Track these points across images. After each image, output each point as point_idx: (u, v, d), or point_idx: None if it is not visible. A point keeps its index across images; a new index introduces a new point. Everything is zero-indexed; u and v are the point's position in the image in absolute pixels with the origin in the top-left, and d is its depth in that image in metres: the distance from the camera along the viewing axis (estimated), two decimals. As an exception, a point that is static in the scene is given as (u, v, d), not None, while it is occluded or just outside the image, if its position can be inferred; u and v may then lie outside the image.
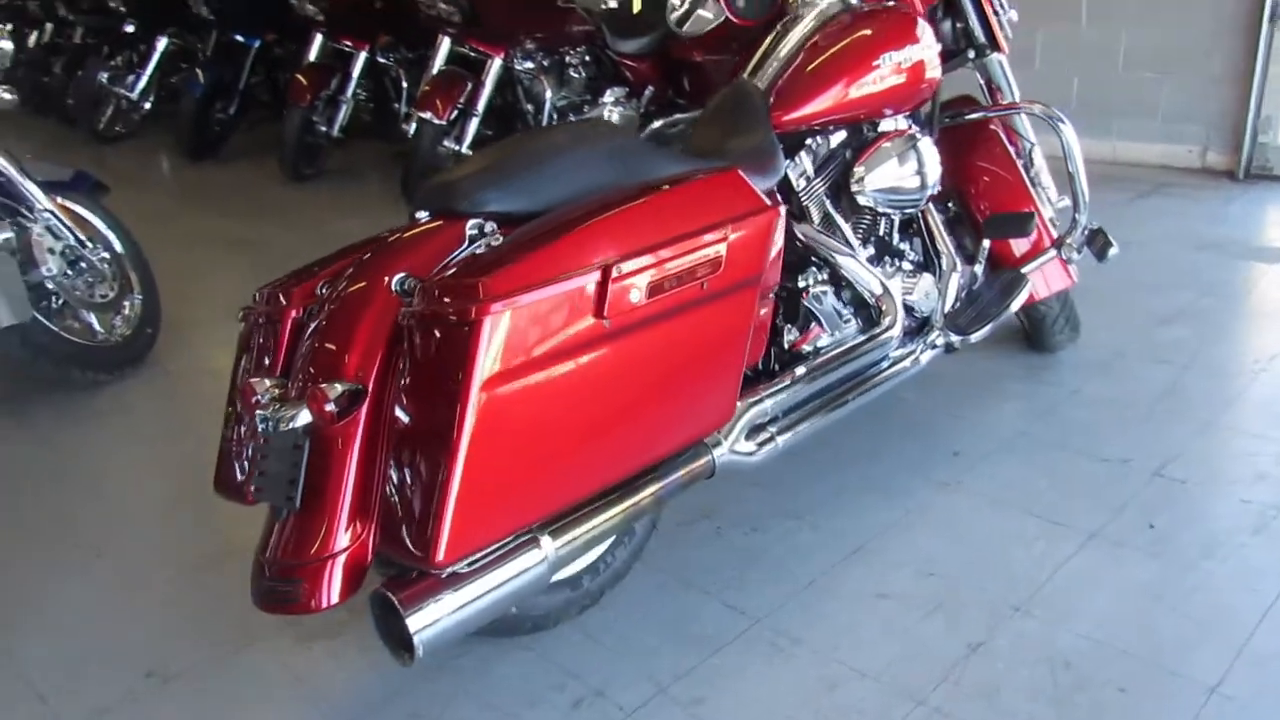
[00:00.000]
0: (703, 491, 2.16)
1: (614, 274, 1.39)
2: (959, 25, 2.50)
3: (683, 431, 1.60)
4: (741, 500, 2.18)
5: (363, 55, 5.20)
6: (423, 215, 1.64)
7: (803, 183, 2.10)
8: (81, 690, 1.75)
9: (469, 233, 1.55)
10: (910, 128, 2.24)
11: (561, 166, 1.64)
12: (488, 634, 1.73)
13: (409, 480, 1.35)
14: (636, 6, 2.87)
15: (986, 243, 2.40)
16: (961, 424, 2.47)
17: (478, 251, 1.53)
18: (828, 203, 2.15)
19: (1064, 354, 2.80)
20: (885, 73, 2.11)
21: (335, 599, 1.45)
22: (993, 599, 1.83)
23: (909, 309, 2.21)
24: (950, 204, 2.60)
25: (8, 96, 2.75)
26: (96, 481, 2.51)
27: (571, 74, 5.01)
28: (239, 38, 5.93)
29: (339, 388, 1.44)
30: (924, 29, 2.19)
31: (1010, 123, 2.60)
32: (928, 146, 2.19)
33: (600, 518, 1.56)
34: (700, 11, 2.50)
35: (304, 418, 1.44)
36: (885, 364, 2.13)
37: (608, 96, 5.06)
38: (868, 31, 2.14)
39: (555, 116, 4.96)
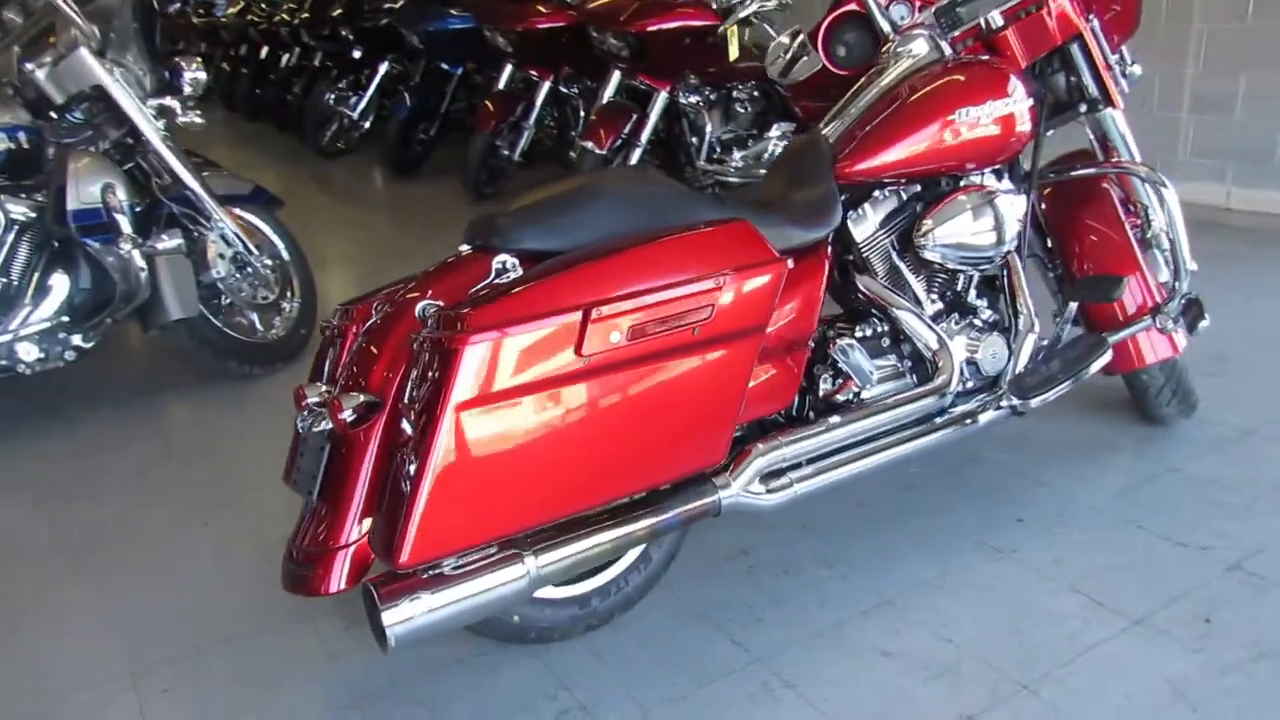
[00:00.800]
0: (745, 528, 2.23)
1: (594, 315, 1.49)
2: (1072, 79, 2.42)
3: (667, 468, 1.66)
4: (783, 542, 2.21)
5: (546, 85, 5.52)
6: (465, 248, 1.80)
7: (866, 233, 2.11)
8: (159, 641, 2.01)
9: (495, 267, 1.69)
10: (991, 183, 2.20)
11: (591, 210, 1.75)
12: (493, 638, 1.86)
13: (395, 487, 1.50)
14: (734, 54, 2.92)
15: (1073, 305, 2.31)
16: (1038, 490, 2.38)
17: (498, 284, 1.67)
18: (894, 255, 2.15)
19: (1183, 427, 2.62)
20: (961, 128, 2.08)
21: (341, 586, 1.63)
22: (1002, 673, 1.77)
23: (976, 367, 2.16)
24: (1057, 261, 2.52)
25: (199, 120, 3.16)
26: (228, 461, 2.83)
27: (737, 108, 5.11)
28: (444, 65, 6.43)
29: (359, 398, 1.62)
30: (1015, 85, 2.14)
31: (1130, 182, 2.48)
32: (1007, 204, 2.14)
33: (589, 541, 1.66)
34: (804, 59, 2.56)
35: (329, 422, 1.63)
36: (937, 420, 2.09)
37: (774, 131, 5.14)
38: (948, 85, 2.12)
39: (718, 149, 5.08)
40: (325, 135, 7.33)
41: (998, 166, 2.24)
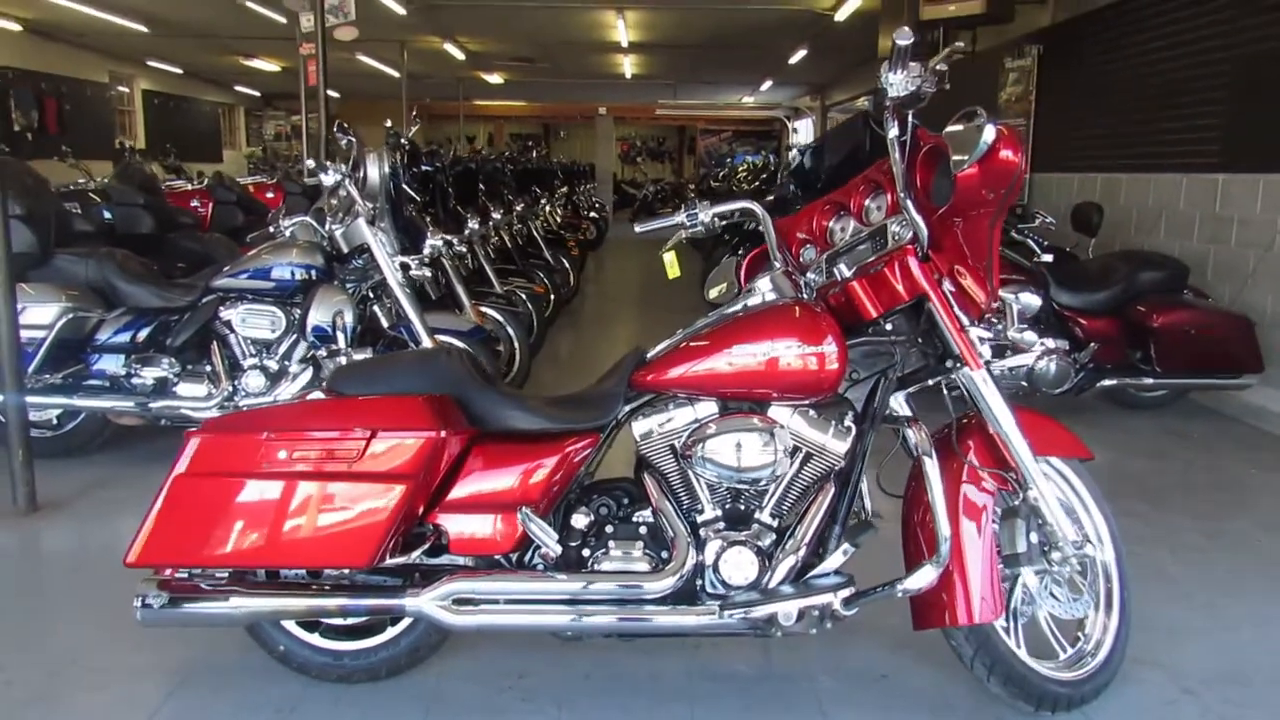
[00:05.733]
0: (540, 658, 2.66)
1: (268, 437, 2.22)
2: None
3: (316, 556, 2.26)
4: (555, 681, 2.59)
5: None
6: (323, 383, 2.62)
7: (643, 433, 2.45)
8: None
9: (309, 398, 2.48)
10: (799, 416, 2.37)
11: (387, 373, 2.46)
12: (270, 656, 2.56)
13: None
14: (673, 275, 3.01)
15: (845, 545, 2.36)
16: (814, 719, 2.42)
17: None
18: (680, 458, 2.45)
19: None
20: (751, 360, 2.31)
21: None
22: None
23: (718, 573, 2.36)
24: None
25: (427, 274, 4.37)
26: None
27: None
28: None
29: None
30: (824, 333, 2.30)
31: (1004, 446, 2.43)
32: (782, 436, 2.33)
33: (288, 601, 2.34)
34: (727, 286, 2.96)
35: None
36: (652, 609, 2.34)
37: (1036, 346, 4.99)
38: (753, 321, 2.38)
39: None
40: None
41: (825, 401, 2.42)
